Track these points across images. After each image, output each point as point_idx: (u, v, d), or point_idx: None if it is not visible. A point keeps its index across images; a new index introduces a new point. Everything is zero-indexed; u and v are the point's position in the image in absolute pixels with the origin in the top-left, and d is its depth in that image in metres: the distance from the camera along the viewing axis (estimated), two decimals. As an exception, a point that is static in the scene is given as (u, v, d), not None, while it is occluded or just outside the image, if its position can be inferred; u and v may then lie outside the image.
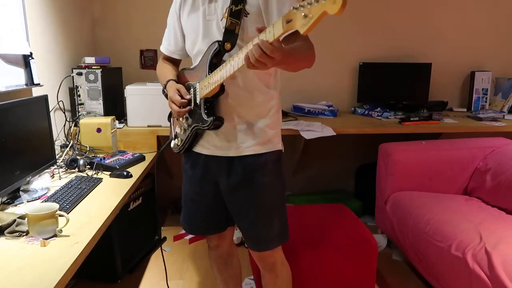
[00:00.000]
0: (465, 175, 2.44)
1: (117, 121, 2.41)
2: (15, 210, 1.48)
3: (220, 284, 1.79)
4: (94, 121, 2.26)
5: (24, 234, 1.27)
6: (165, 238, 2.73)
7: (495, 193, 2.23)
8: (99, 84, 2.40)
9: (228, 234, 1.68)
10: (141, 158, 2.16)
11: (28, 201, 1.56)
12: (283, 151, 1.51)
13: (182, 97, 1.40)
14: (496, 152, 2.41)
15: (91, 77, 2.40)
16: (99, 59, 2.47)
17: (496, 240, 1.71)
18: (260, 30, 1.10)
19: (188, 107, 1.41)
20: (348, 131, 2.58)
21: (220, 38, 1.33)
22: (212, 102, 1.37)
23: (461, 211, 2.08)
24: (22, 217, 1.32)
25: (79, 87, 2.41)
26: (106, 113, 2.44)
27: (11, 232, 1.27)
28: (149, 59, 3.02)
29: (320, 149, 3.16)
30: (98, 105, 2.43)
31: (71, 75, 2.39)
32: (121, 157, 2.08)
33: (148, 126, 2.45)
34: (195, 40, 1.42)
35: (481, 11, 3.19)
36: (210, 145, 1.45)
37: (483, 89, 3.21)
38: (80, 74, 2.39)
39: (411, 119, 2.72)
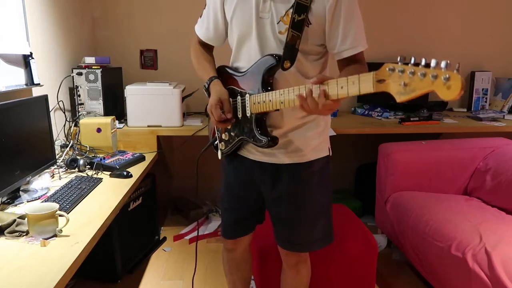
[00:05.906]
0: (465, 175, 2.44)
1: (117, 121, 2.41)
2: (15, 210, 1.48)
3: (228, 284, 1.77)
4: (94, 121, 2.26)
5: (24, 234, 1.27)
6: (165, 238, 2.73)
7: (495, 193, 2.23)
8: (99, 84, 2.40)
9: (245, 240, 1.63)
10: (141, 158, 2.16)
11: (28, 201, 1.56)
12: (331, 155, 1.45)
13: (223, 111, 1.30)
14: (496, 152, 2.41)
15: (91, 77, 2.40)
16: (99, 59, 2.47)
17: (496, 240, 1.71)
18: (321, 81, 1.02)
19: (228, 123, 1.33)
20: (348, 131, 2.57)
21: (275, 43, 1.25)
22: (263, 118, 1.30)
23: (461, 211, 2.08)
24: (22, 217, 1.32)
25: (79, 87, 2.40)
26: (106, 113, 2.44)
27: (11, 232, 1.27)
28: (149, 59, 3.02)
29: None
30: (98, 105, 2.42)
31: (71, 75, 2.39)
32: (121, 157, 2.08)
33: (148, 126, 2.45)
34: (245, 37, 1.31)
35: (481, 11, 3.19)
36: (257, 151, 1.40)
37: (483, 89, 3.21)
38: (80, 74, 2.38)
39: (411, 119, 2.72)
